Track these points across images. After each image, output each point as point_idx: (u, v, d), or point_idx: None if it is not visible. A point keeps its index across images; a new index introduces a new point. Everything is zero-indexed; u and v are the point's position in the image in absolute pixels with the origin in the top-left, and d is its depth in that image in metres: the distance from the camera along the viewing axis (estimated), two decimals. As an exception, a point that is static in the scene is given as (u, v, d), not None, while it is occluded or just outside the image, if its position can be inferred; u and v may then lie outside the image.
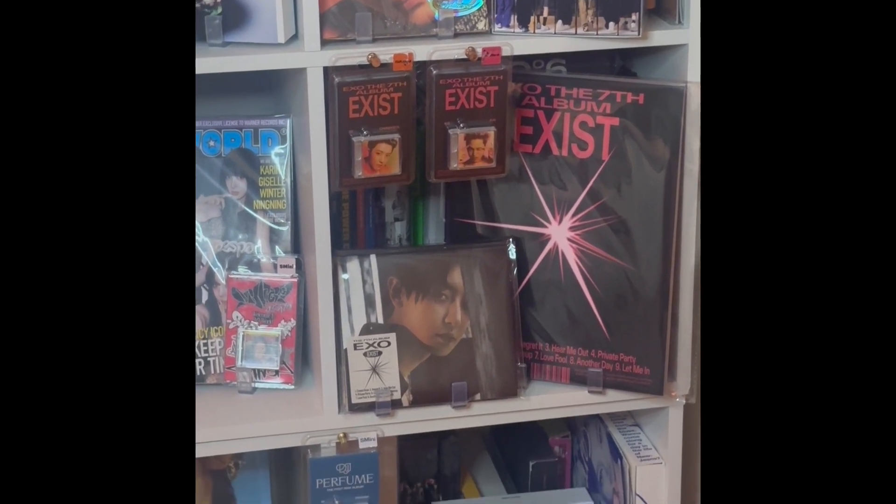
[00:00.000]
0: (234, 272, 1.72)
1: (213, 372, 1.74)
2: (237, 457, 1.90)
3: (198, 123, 1.68)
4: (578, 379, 1.71)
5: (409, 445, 1.89)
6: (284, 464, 1.91)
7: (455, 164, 1.59)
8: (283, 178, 1.71)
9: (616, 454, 1.79)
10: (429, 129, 1.59)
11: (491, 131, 1.58)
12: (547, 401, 1.70)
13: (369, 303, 1.65)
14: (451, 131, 1.57)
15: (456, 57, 1.56)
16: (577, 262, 1.68)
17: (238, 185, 1.72)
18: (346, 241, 1.76)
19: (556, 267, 1.69)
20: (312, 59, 1.54)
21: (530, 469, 1.92)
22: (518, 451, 1.98)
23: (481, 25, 1.59)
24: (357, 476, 1.67)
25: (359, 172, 1.56)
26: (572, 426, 1.97)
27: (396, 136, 1.56)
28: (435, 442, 1.90)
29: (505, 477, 2.00)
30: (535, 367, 1.72)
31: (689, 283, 1.66)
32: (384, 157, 1.56)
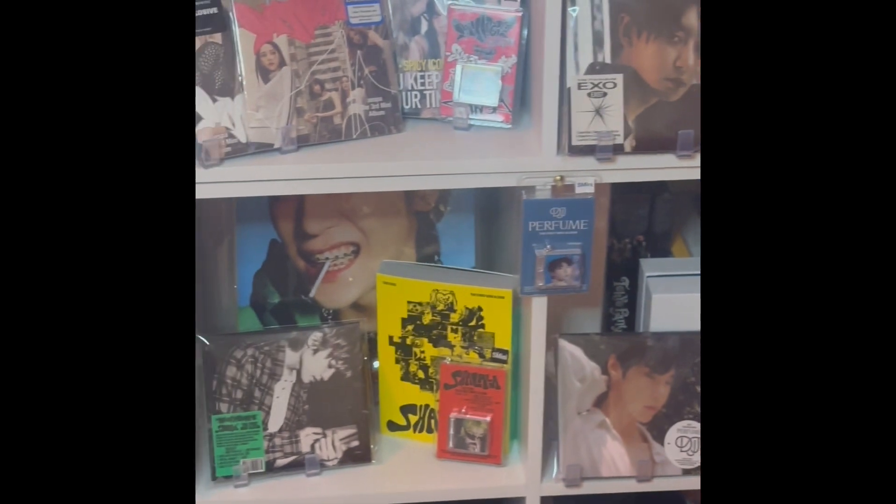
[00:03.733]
0: (456, 2, 1.64)
1: (428, 106, 1.70)
2: (443, 200, 1.87)
3: None
4: (813, 136, 1.61)
5: (622, 199, 1.83)
6: (489, 210, 1.88)
7: None
8: None
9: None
10: None
11: None
12: (777, 157, 1.61)
13: (597, 40, 1.57)
14: None
15: None
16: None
17: None
18: (572, -22, 1.67)
19: (800, 14, 1.57)
20: None
21: (745, 233, 1.84)
22: (732, 214, 1.90)
23: None
24: (571, 221, 1.62)
25: None
26: (793, 192, 1.88)
27: None
28: (648, 198, 1.84)
29: (716, 240, 1.93)
30: (766, 121, 1.63)
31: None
32: None
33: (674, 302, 1.76)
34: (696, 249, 1.91)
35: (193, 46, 1.49)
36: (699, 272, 1.79)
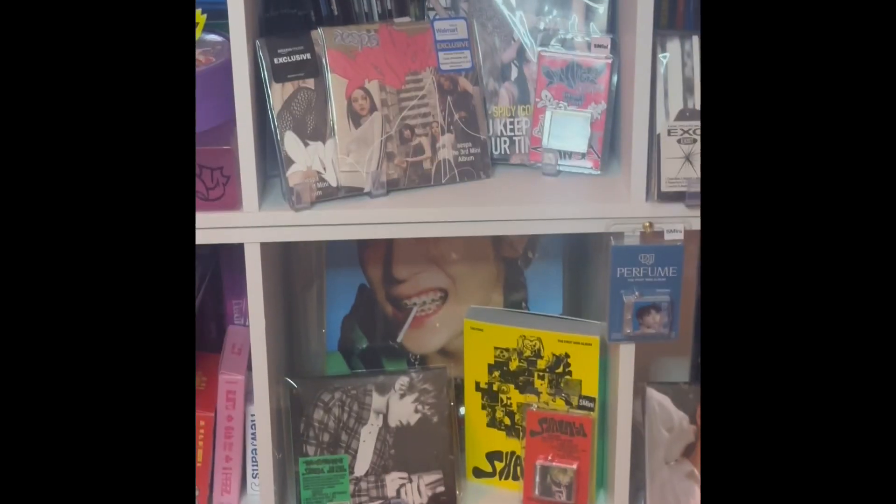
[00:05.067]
0: (547, 49, 1.66)
1: (517, 152, 1.70)
2: (531, 246, 1.88)
3: None
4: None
5: (710, 248, 1.81)
6: (577, 257, 1.87)
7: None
8: (603, -48, 1.63)
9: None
10: None
11: None
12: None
13: (688, 87, 1.57)
14: None
15: None
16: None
17: (556, -42, 1.65)
18: (662, 25, 1.67)
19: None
20: None
21: (837, 283, 1.81)
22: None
23: None
24: (660, 268, 1.61)
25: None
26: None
27: None
28: (737, 246, 1.82)
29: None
30: (859, 169, 1.61)
31: None
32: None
33: (764, 352, 1.74)
34: (788, 299, 1.88)
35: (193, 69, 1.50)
36: (790, 322, 1.77)
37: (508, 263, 1.88)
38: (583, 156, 1.66)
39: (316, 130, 1.60)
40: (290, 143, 1.58)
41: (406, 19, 1.67)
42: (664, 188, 1.58)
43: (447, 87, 1.65)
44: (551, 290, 1.89)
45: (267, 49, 1.57)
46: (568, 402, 1.76)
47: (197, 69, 1.55)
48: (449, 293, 1.88)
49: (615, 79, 1.64)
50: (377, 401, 1.75)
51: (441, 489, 1.77)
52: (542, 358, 1.76)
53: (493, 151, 1.70)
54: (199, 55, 1.59)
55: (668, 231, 1.60)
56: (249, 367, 1.68)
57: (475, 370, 1.80)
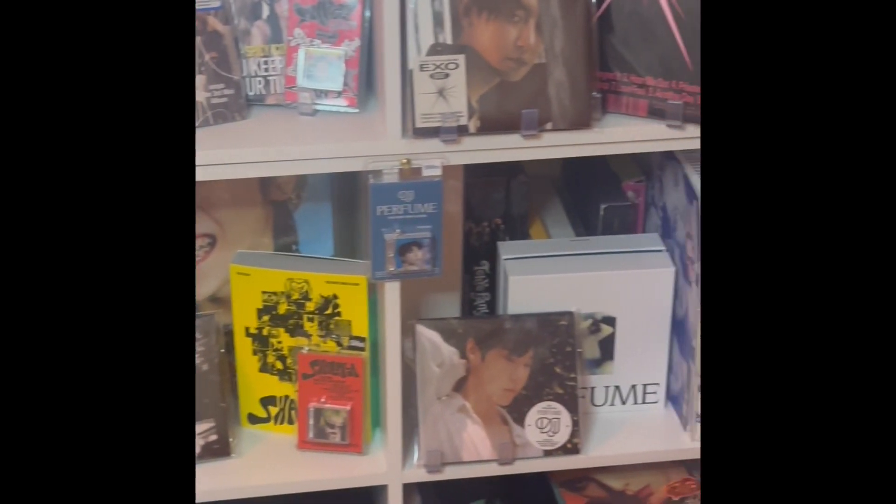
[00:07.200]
0: (297, -14, 1.63)
1: (272, 92, 1.67)
2: (299, 188, 1.85)
3: None
4: (656, 112, 1.61)
5: (477, 184, 1.82)
6: (346, 197, 1.86)
7: None
8: None
9: (692, 196, 1.70)
10: None
11: None
12: (621, 133, 1.61)
13: (438, 22, 1.56)
14: None
15: None
16: (661, -15, 1.57)
17: None
18: (416, -39, 1.66)
19: (638, -10, 1.58)
20: None
21: (601, 212, 1.84)
22: (589, 194, 1.90)
23: None
24: (420, 204, 1.61)
25: None
26: (647, 170, 1.89)
27: None
28: (504, 181, 1.83)
29: (575, 221, 1.93)
30: (610, 99, 1.63)
31: (782, 11, 1.54)
32: None
33: (531, 283, 1.76)
34: (555, 231, 1.91)
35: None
36: (557, 253, 1.80)
37: (277, 206, 1.85)
38: (339, 94, 1.64)
39: (58, 75, 1.54)
40: (31, 89, 1.52)
41: (152, -42, 1.62)
42: (419, 124, 1.57)
43: (196, 28, 1.61)
44: (321, 232, 1.87)
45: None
46: (339, 344, 1.75)
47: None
48: (217, 239, 1.84)
49: (368, 14, 1.62)
50: (143, 351, 1.72)
51: (214, 437, 1.74)
52: (310, 300, 1.74)
53: (248, 92, 1.66)
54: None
55: (425, 167, 1.60)
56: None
57: (244, 316, 1.77)
